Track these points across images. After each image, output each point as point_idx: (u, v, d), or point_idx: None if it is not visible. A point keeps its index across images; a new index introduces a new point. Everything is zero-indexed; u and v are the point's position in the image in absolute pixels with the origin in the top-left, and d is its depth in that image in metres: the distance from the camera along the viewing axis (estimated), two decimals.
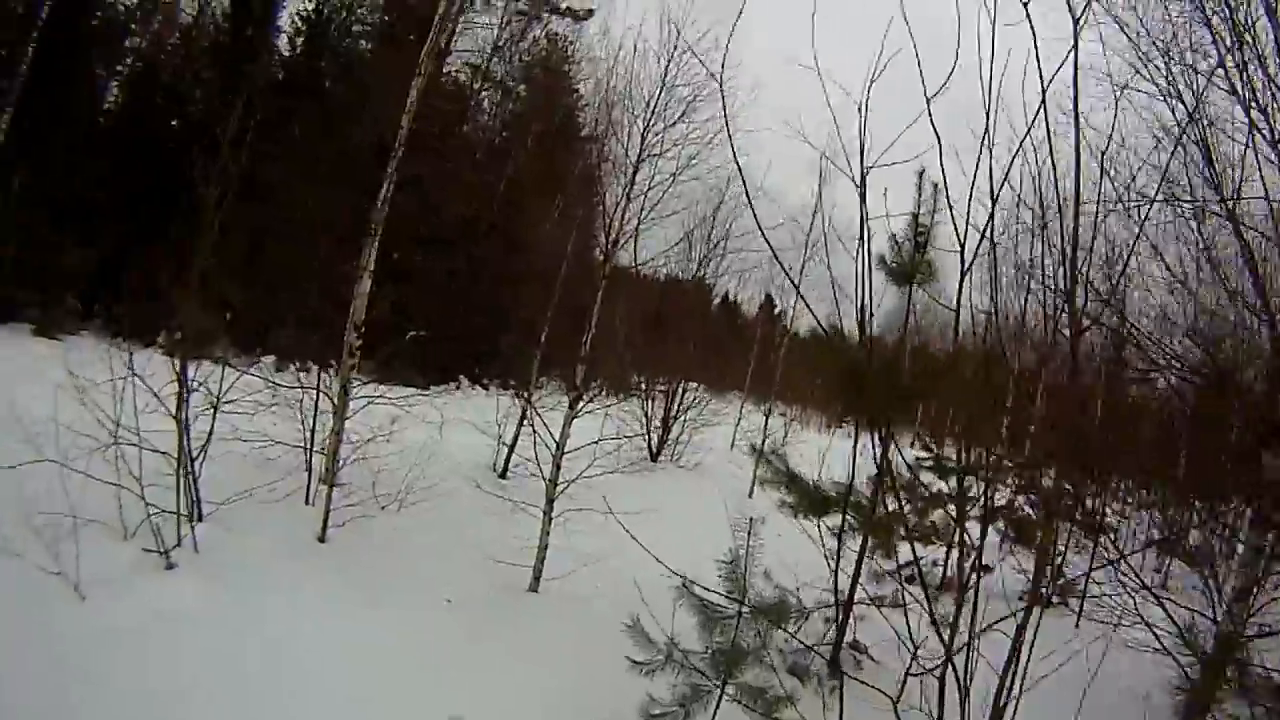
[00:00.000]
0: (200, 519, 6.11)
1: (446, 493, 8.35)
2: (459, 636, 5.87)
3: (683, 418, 16.43)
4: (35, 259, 13.52)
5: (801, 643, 5.55)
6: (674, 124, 8.49)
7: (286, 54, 17.63)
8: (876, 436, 4.15)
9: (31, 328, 13.41)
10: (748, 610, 4.71)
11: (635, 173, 8.16)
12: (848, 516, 6.35)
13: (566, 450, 7.44)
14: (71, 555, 4.81)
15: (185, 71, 16.02)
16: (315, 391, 7.87)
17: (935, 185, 5.86)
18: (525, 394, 10.77)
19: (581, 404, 7.82)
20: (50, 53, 13.94)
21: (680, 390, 16.87)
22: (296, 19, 17.52)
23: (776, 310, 26.62)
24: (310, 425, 7.81)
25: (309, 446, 7.75)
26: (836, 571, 6.09)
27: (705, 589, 4.76)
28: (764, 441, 12.61)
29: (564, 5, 21.06)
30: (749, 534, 4.61)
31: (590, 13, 20.84)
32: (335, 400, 7.57)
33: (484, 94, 21.26)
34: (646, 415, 15.78)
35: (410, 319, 12.91)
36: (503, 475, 10.99)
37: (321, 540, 6.85)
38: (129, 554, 5.47)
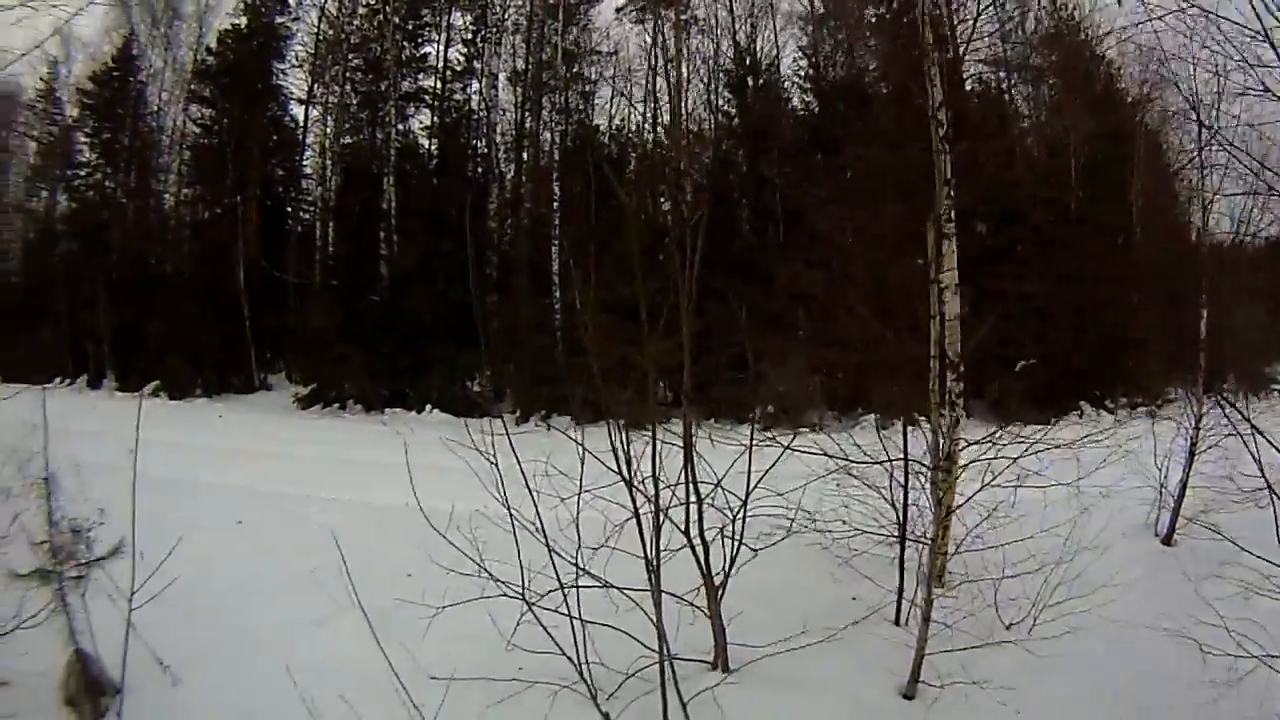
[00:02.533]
0: (725, 667, 5.02)
1: (1097, 583, 5.84)
2: None
3: None
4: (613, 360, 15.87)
5: None
6: None
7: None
8: None
9: (621, 422, 15.14)
10: None
11: None
12: None
13: None
14: None
15: None
16: (904, 458, 6.20)
17: None
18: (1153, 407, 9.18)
19: None
20: None
21: None
22: None
23: None
24: (902, 503, 6.27)
25: (902, 534, 6.26)
26: None
27: None
28: None
29: None
30: None
31: None
32: (939, 469, 5.91)
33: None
34: None
35: (1013, 341, 11.93)
36: (1167, 541, 8.27)
37: (909, 697, 5.10)
38: None
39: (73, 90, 32.02)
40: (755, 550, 5.20)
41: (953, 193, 6.74)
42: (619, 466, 5.24)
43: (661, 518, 4.79)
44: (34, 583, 4.76)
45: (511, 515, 4.93)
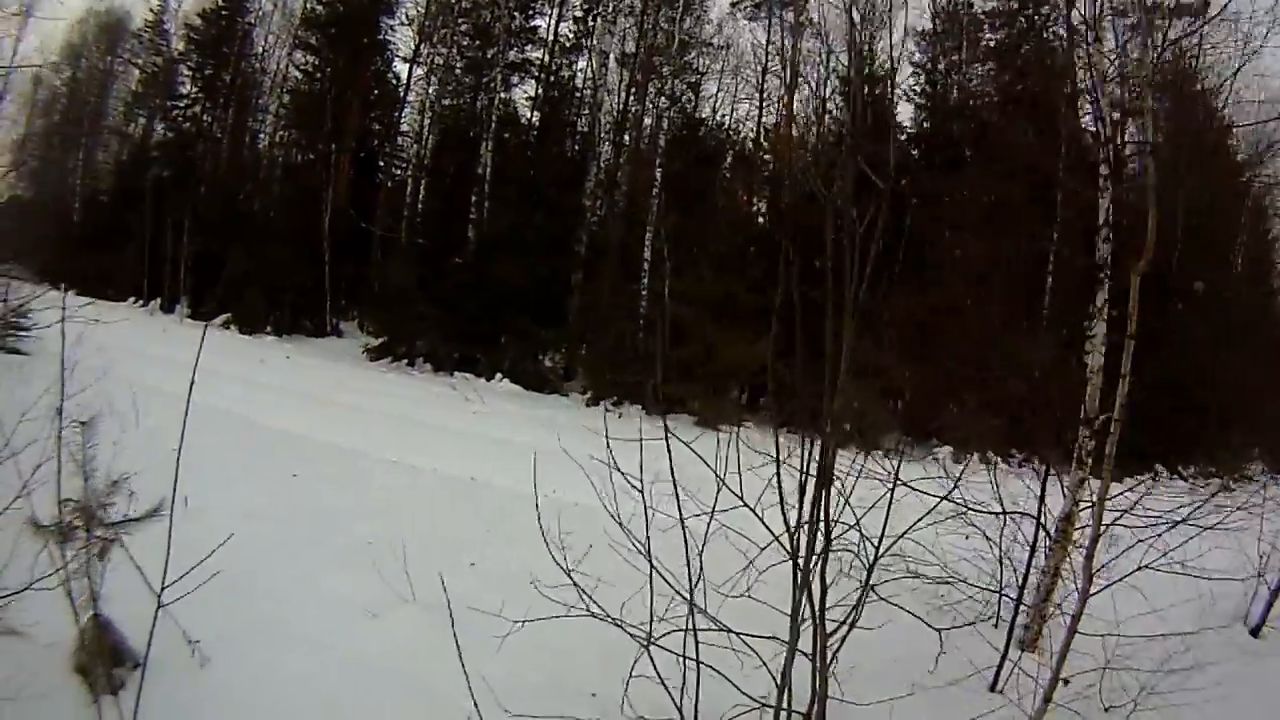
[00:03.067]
0: None
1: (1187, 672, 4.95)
2: None
3: None
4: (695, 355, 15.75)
5: None
6: None
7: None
8: None
9: (694, 419, 14.44)
10: None
11: None
12: None
13: None
14: None
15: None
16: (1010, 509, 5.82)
17: None
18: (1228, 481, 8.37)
19: None
20: None
21: None
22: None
23: None
24: (1025, 563, 5.73)
25: (1019, 595, 5.70)
26: None
27: None
28: None
29: None
30: None
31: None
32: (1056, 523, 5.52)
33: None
34: None
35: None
36: (1256, 632, 7.13)
37: None
38: None
39: (180, 24, 32.78)
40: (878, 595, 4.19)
41: (1111, 235, 6.27)
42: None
43: (803, 556, 3.96)
44: (56, 537, 4.03)
45: (626, 530, 3.90)
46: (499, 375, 18.02)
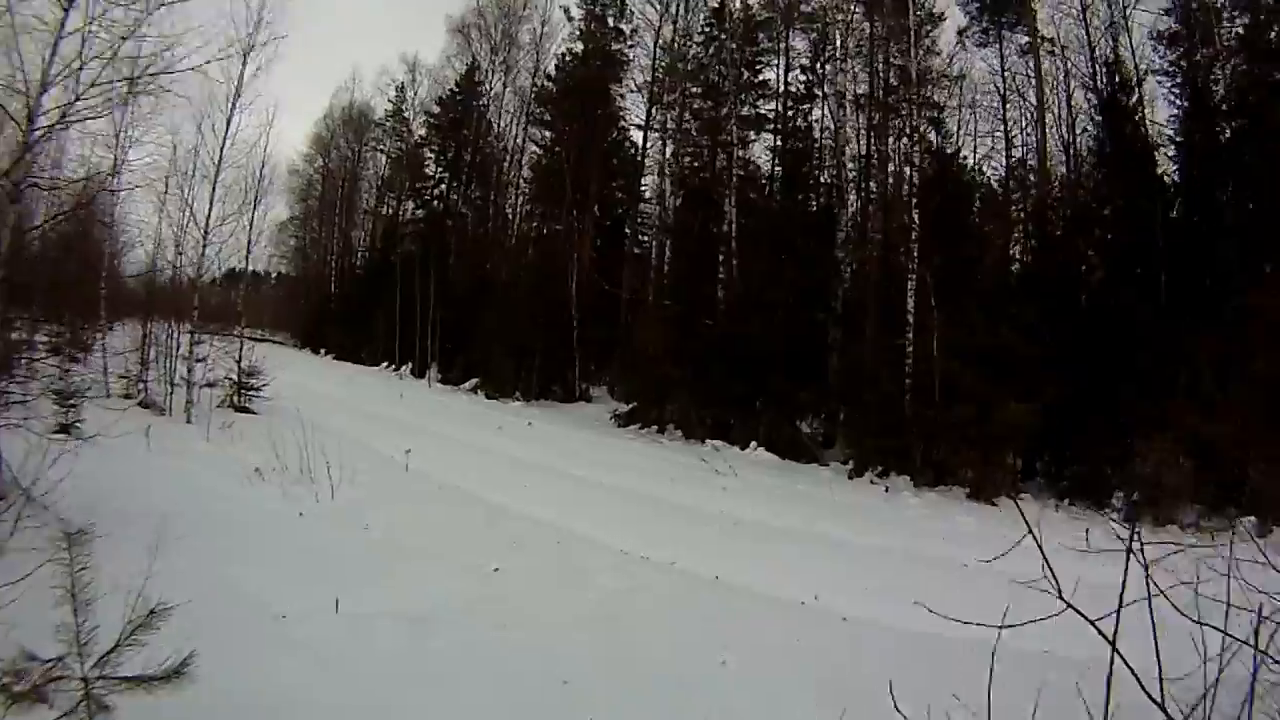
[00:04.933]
0: None
1: None
2: None
3: None
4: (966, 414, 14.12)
5: None
6: None
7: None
8: None
9: (965, 491, 13.85)
10: None
11: None
12: None
13: None
14: None
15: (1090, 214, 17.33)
16: None
17: None
18: None
19: None
20: None
21: None
22: None
23: None
24: None
25: None
26: None
27: None
28: None
29: None
30: None
31: None
32: None
33: None
34: None
35: None
36: None
37: None
38: None
39: (419, 111, 35.87)
40: None
41: None
42: None
43: None
44: None
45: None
46: (754, 443, 17.33)
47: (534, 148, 29.29)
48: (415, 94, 36.73)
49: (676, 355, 18.89)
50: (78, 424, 9.79)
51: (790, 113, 22.73)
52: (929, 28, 20.48)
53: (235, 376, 15.40)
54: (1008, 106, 20.46)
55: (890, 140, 20.13)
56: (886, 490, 14.51)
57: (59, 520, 5.23)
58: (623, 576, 7.00)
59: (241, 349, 15.83)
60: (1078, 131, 19.40)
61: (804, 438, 17.95)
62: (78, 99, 6.68)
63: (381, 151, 38.61)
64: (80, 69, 6.53)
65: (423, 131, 35.15)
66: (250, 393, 15.43)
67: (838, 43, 21.63)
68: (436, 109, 33.82)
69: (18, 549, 4.31)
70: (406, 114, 37.07)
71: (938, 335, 15.79)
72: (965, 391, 14.58)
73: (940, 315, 15.90)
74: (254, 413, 14.83)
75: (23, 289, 10.83)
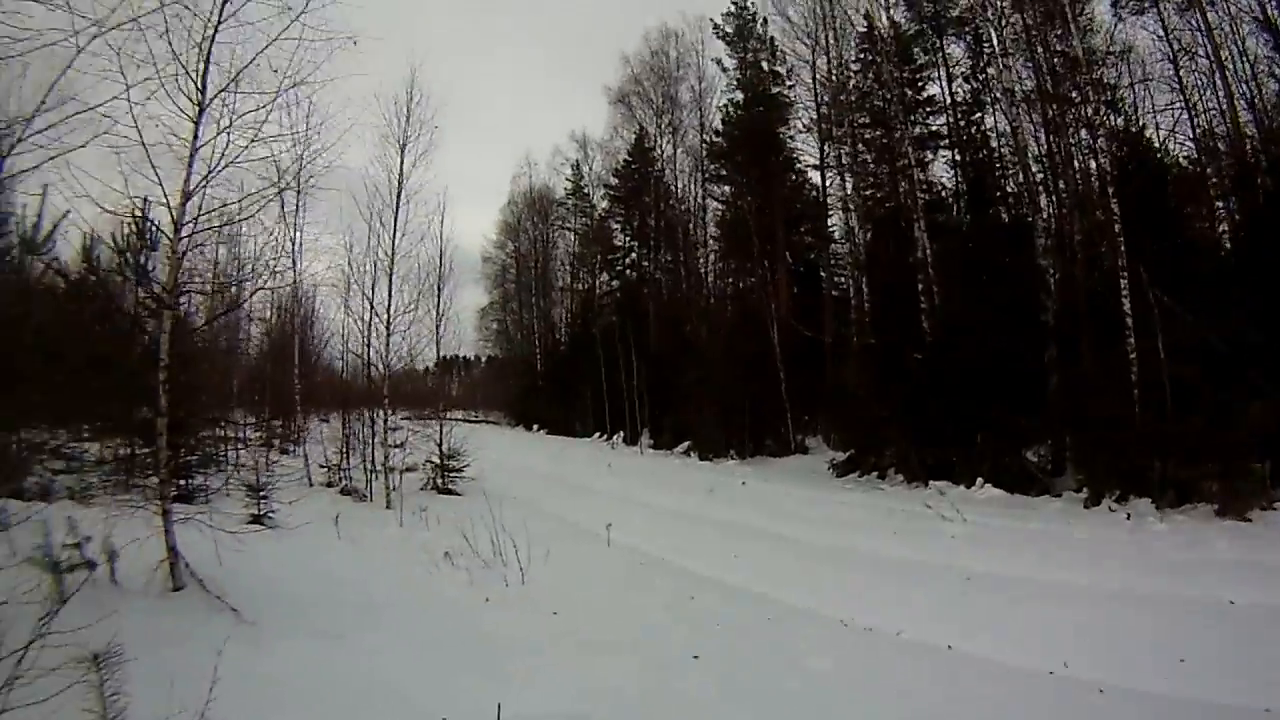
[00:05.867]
0: None
1: None
2: None
3: None
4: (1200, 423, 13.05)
5: None
6: None
7: None
8: None
9: (1214, 507, 12.59)
10: None
11: None
12: None
13: None
14: None
15: None
16: None
17: None
18: None
19: None
20: None
21: None
22: None
23: None
24: None
25: None
26: None
27: None
28: None
29: None
30: None
31: None
32: None
33: None
34: None
35: None
36: None
37: None
38: None
39: (598, 184, 38.05)
40: None
41: None
42: None
43: None
44: None
45: None
46: (979, 479, 16.70)
47: (715, 204, 30.36)
48: (590, 168, 39.15)
49: (885, 394, 18.67)
50: (270, 514, 10.39)
51: (962, 124, 22.26)
52: (1081, 5, 19.48)
53: (437, 459, 15.97)
54: (1181, 72, 18.98)
55: (1070, 133, 19.22)
56: (1128, 518, 13.26)
57: (232, 611, 5.80)
58: (840, 654, 6.33)
59: (442, 432, 16.34)
60: (1260, 83, 17.68)
61: (1031, 467, 17.09)
62: (224, 205, 7.02)
63: (568, 229, 41.23)
64: (213, 174, 6.72)
65: (605, 204, 37.27)
66: (453, 474, 15.88)
67: (994, 40, 20.89)
68: (614, 180, 35.75)
69: (177, 641, 4.77)
70: (586, 189, 39.49)
71: (1161, 337, 14.79)
72: (1198, 396, 13.50)
73: (1160, 314, 14.90)
74: (457, 494, 15.27)
75: (190, 389, 11.60)
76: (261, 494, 10.47)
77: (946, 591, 8.47)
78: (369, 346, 15.62)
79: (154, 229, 7.45)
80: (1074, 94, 18.51)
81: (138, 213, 7.19)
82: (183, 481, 10.83)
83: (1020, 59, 19.99)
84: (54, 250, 12.25)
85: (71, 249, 10.71)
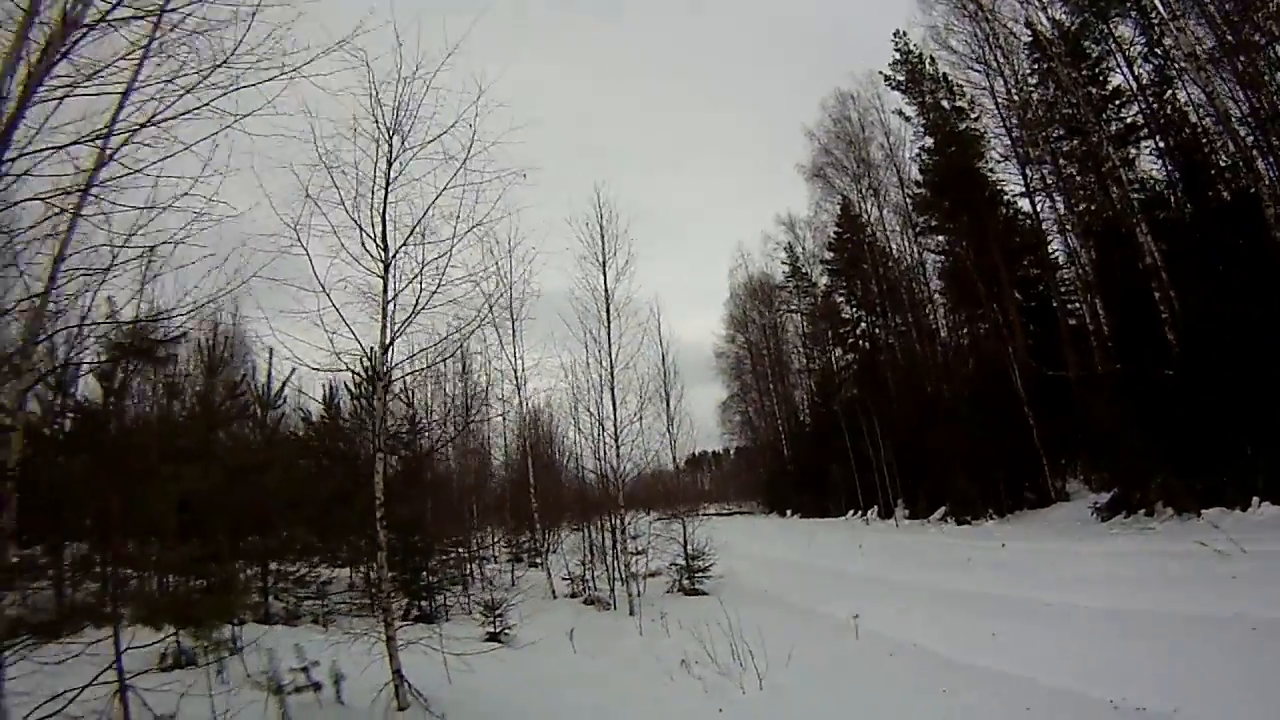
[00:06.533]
0: None
1: None
2: None
3: None
4: None
5: None
6: None
7: None
8: None
9: None
10: None
11: None
12: None
13: None
14: None
15: None
16: None
17: None
18: None
19: None
20: None
21: None
22: None
23: None
24: None
25: None
26: None
27: None
28: None
29: None
30: None
31: None
32: None
33: None
34: None
35: None
36: None
37: None
38: None
39: (814, 261, 38.31)
40: None
41: None
42: None
43: None
44: None
45: None
46: (1254, 499, 14.41)
47: (932, 256, 29.59)
48: (804, 247, 39.73)
49: (1139, 423, 16.98)
50: (506, 630, 10.63)
51: (1155, 106, 20.38)
52: None
53: (682, 560, 16.03)
54: None
55: (1267, 79, 16.79)
56: None
57: None
58: None
59: (685, 532, 16.39)
60: None
61: None
62: (416, 351, 7.98)
63: (794, 310, 41.65)
64: (408, 321, 7.29)
65: (825, 279, 37.40)
66: (698, 574, 15.83)
67: (1158, 7, 19.14)
68: (829, 255, 35.88)
69: None
70: (804, 268, 39.98)
71: None
72: None
73: None
74: (703, 593, 15.15)
75: (417, 520, 12.75)
76: (497, 612, 10.88)
77: (1232, 652, 6.87)
78: (601, 459, 16.11)
79: (369, 376, 7.86)
80: (1258, 36, 16.43)
81: (354, 367, 7.67)
82: (424, 602, 12.52)
83: (1192, 18, 18.08)
84: (284, 405, 15.04)
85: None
